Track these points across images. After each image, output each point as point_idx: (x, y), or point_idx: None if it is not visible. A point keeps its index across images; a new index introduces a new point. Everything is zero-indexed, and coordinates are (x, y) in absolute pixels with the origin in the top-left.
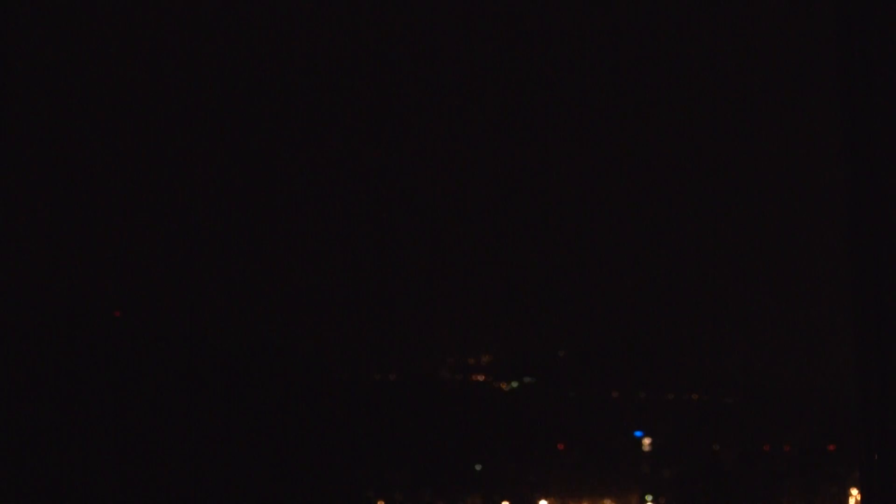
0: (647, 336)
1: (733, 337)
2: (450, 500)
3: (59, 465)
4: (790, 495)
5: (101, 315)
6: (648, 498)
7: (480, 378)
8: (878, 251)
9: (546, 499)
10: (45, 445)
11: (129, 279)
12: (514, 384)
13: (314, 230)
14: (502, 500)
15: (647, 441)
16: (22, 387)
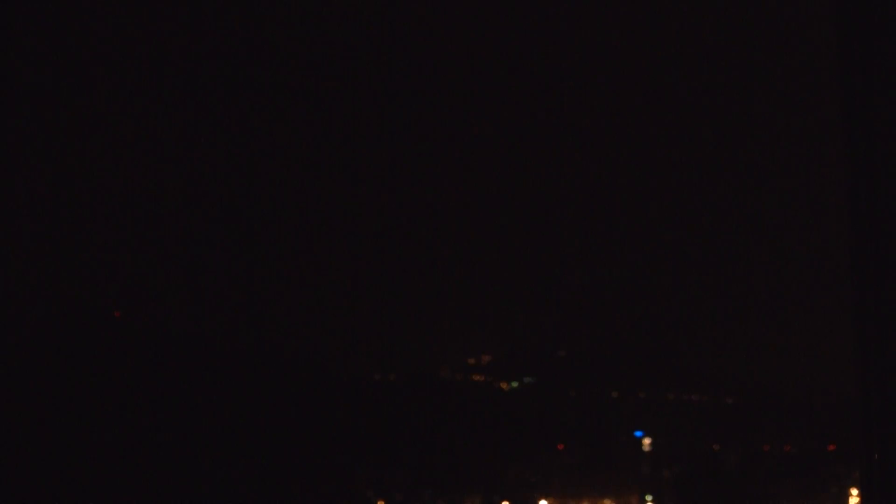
0: (647, 336)
1: (733, 337)
2: (450, 500)
3: (59, 465)
4: (790, 495)
5: (101, 315)
6: (648, 498)
7: (480, 378)
8: (878, 251)
9: (546, 499)
10: (45, 445)
11: (129, 279)
12: (514, 384)
13: (314, 231)
14: (502, 500)
15: (647, 441)
16: (22, 387)
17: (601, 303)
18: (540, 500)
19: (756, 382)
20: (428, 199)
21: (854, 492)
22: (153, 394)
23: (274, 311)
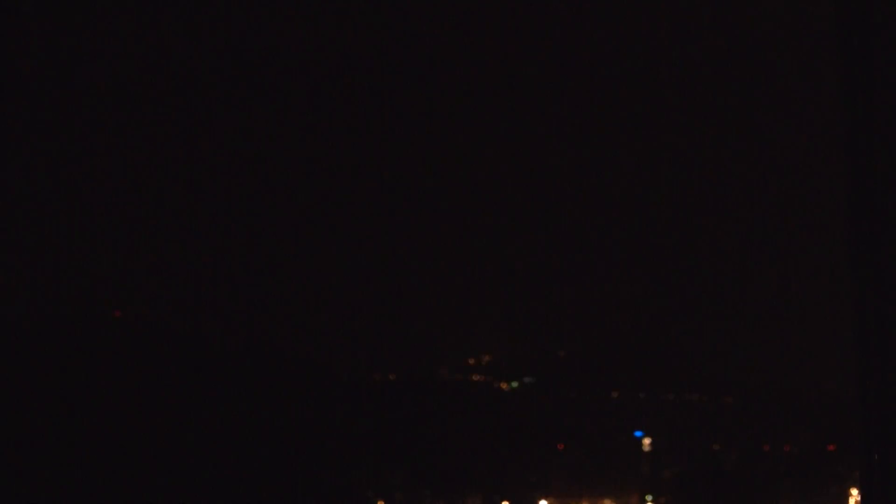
0: (647, 336)
1: (733, 337)
2: (450, 500)
3: (60, 465)
4: (790, 495)
5: (101, 315)
6: (648, 498)
7: (480, 378)
8: (878, 252)
9: (546, 499)
10: (45, 444)
11: (129, 279)
12: (514, 384)
13: (314, 231)
14: (502, 500)
15: (647, 441)
16: (22, 386)
17: (601, 303)
18: (540, 500)
19: (756, 382)
20: (428, 200)
21: (854, 492)
22: (153, 393)
23: (274, 310)
